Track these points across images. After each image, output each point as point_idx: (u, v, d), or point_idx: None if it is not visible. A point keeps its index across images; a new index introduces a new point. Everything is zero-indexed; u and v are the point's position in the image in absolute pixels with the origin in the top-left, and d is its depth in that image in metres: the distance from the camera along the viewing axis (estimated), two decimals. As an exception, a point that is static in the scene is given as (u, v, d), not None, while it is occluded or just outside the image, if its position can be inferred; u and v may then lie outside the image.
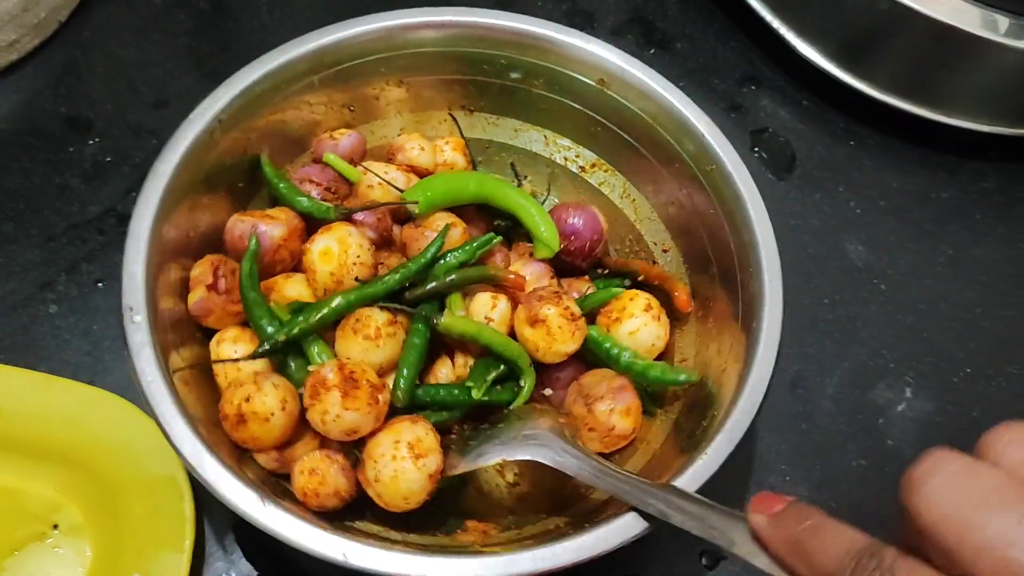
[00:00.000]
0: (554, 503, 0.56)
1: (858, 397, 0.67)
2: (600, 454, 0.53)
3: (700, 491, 0.46)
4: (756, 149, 0.78)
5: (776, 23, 0.80)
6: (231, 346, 0.54)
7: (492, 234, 0.58)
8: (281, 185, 0.58)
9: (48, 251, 0.66)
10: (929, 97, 0.76)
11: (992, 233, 0.76)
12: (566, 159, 0.66)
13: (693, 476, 0.46)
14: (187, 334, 0.54)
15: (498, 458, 0.50)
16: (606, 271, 0.63)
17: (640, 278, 0.61)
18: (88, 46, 0.76)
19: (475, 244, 0.57)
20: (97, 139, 0.71)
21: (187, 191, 0.54)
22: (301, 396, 0.51)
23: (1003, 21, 0.70)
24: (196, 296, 0.54)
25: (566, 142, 0.66)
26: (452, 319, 0.53)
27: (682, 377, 0.55)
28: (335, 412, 0.48)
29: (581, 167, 0.66)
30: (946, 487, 0.28)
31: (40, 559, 0.55)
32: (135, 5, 0.78)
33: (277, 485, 0.52)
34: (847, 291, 0.71)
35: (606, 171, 0.65)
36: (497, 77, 0.63)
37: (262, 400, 0.49)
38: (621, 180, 0.65)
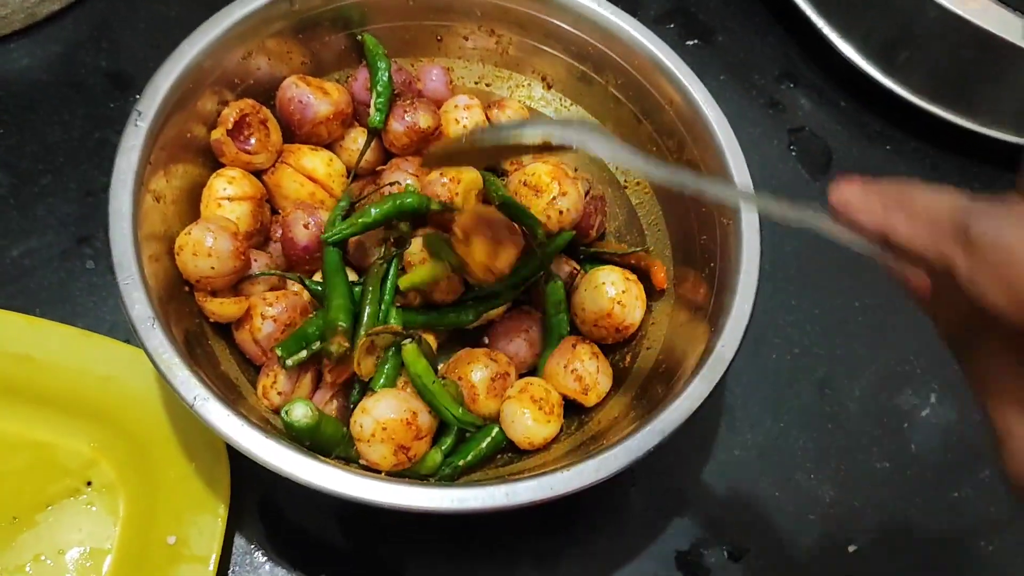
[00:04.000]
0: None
1: (884, 401, 0.67)
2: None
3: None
4: (792, 147, 0.78)
5: (818, 20, 0.80)
6: (225, 183, 0.56)
7: None
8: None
9: (86, 206, 0.65)
10: (969, 107, 0.76)
11: None
12: (616, 167, 0.66)
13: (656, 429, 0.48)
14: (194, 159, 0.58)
15: (539, 133, 0.44)
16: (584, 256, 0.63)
17: (619, 259, 0.62)
18: (131, 0, 0.74)
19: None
20: (138, 96, 0.70)
21: (254, 38, 0.58)
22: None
23: (1048, 35, 0.70)
24: (217, 134, 0.57)
25: None
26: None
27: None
28: None
29: (625, 180, 0.66)
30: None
31: (73, 515, 0.55)
32: (179, -38, 0.77)
33: (200, 332, 0.54)
34: (878, 296, 0.71)
35: (644, 189, 0.65)
36: (581, 62, 0.64)
37: (196, 236, 0.52)
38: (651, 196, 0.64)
